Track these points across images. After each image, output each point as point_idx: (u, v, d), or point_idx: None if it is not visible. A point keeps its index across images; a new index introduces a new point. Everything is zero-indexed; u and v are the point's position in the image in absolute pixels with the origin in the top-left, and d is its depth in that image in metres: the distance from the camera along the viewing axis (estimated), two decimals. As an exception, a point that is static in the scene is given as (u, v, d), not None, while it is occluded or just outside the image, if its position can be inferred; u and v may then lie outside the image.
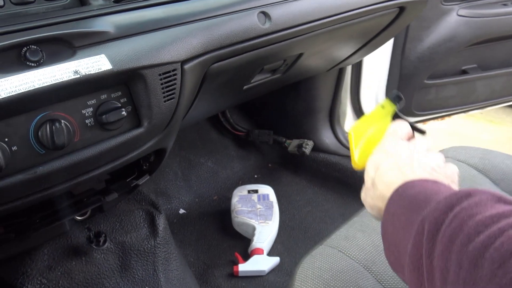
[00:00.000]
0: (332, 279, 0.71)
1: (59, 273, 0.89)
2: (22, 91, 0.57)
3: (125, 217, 1.03)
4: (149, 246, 1.01)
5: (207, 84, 0.84)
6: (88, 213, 0.94)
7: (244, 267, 1.24)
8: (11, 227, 0.78)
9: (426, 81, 1.59)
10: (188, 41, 0.73)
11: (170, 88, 0.71)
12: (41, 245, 0.91)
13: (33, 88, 0.57)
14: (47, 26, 0.63)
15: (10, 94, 0.55)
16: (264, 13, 0.83)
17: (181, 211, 1.51)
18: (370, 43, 1.25)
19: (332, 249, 0.77)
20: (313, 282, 0.72)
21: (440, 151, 0.99)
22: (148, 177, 0.92)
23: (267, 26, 0.83)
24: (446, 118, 1.88)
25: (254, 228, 1.35)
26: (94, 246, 0.90)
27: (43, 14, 0.65)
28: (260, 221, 1.37)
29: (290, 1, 0.88)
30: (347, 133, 1.72)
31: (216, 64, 0.80)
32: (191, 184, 1.57)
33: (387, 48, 1.55)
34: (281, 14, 0.85)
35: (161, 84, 0.70)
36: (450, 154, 0.96)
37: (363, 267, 0.72)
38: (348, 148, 1.63)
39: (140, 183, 0.90)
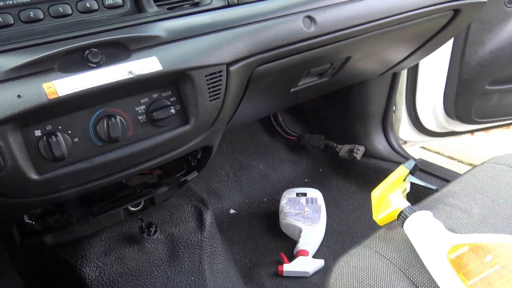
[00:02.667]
0: (367, 278, 0.73)
1: (113, 258, 0.97)
2: (84, 88, 0.64)
3: (175, 211, 1.10)
4: (196, 239, 1.07)
5: (253, 86, 0.89)
6: (141, 205, 1.02)
7: (288, 267, 1.27)
8: (73, 213, 0.88)
9: (487, 87, 1.54)
10: (233, 44, 0.78)
11: (216, 88, 0.77)
12: (99, 232, 1.01)
13: (93, 86, 0.65)
14: (107, 31, 0.70)
15: (74, 91, 0.63)
16: (309, 17, 0.87)
17: (232, 211, 1.57)
18: (424, 46, 1.24)
19: (369, 250, 0.78)
20: (348, 280, 0.74)
21: (493, 158, 0.97)
22: (196, 173, 0.98)
23: (312, 30, 0.87)
24: (511, 127, 1.79)
25: (300, 230, 1.37)
26: (146, 236, 0.98)
27: (104, 21, 0.73)
28: (307, 223, 1.39)
29: (336, 5, 0.91)
30: (401, 139, 1.70)
31: (261, 67, 0.85)
32: (242, 186, 1.63)
33: (445, 51, 1.52)
34: (326, 18, 0.88)
35: (208, 84, 0.76)
36: (503, 161, 0.94)
37: (399, 269, 0.73)
38: (400, 155, 1.61)
39: (188, 179, 0.97)
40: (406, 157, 1.58)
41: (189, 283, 1.04)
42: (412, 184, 0.87)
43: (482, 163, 0.96)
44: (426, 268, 0.69)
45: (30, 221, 0.82)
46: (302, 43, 0.86)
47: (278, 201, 1.51)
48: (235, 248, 1.38)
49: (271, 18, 0.83)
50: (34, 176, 0.64)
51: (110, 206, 0.90)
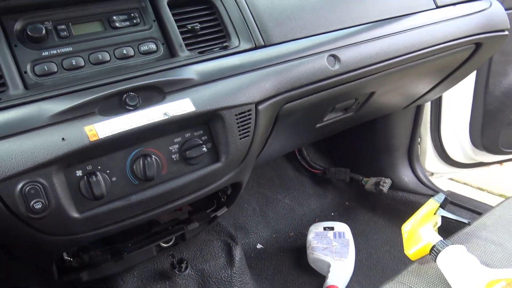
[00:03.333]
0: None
1: (144, 296, 0.99)
2: (123, 130, 0.68)
3: (205, 246, 1.12)
4: (226, 275, 1.08)
5: (280, 123, 0.92)
6: (173, 241, 1.04)
7: None
8: (107, 249, 0.90)
9: None
10: (261, 84, 0.81)
11: (246, 126, 0.80)
12: (131, 268, 1.03)
13: (131, 128, 0.69)
14: (143, 76, 0.75)
15: (113, 133, 0.67)
16: (333, 56, 0.90)
17: (259, 246, 1.56)
18: (447, 79, 1.26)
19: (402, 285, 0.78)
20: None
21: None
22: (226, 209, 1.00)
23: (336, 67, 0.90)
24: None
25: (329, 265, 1.36)
26: (177, 272, 1.00)
27: (140, 66, 0.78)
28: (336, 258, 1.38)
29: (359, 43, 0.94)
30: (428, 171, 1.69)
31: (288, 104, 0.88)
32: (268, 220, 1.63)
33: (468, 82, 1.53)
34: (350, 56, 0.91)
35: (237, 123, 0.79)
36: None
37: (434, 304, 0.72)
38: (428, 187, 1.60)
39: (218, 215, 0.99)
40: (434, 189, 1.56)
41: (219, 319, 1.04)
42: (443, 217, 0.86)
43: None
44: (461, 304, 0.68)
45: (68, 258, 0.85)
46: (327, 80, 0.89)
47: (305, 236, 1.50)
48: (263, 284, 1.38)
49: (297, 58, 0.87)
50: (75, 214, 0.67)
51: (143, 242, 0.93)
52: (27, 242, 0.68)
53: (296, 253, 1.50)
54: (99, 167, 0.70)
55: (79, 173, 0.68)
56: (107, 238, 0.93)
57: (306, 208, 1.68)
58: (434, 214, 0.84)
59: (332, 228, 1.50)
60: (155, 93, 0.73)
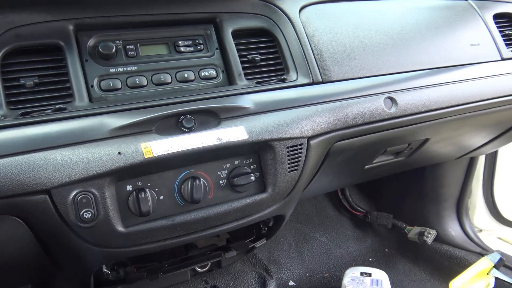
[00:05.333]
0: None
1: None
2: (176, 150, 0.69)
3: (239, 276, 1.10)
4: (258, 309, 1.06)
5: (330, 160, 0.90)
6: (208, 267, 1.03)
7: None
8: (144, 268, 0.90)
9: None
10: (316, 119, 0.81)
11: (296, 160, 0.79)
12: (164, 289, 1.02)
13: (184, 149, 0.70)
14: (201, 100, 0.76)
15: (167, 153, 0.68)
16: (390, 98, 0.89)
17: (291, 283, 1.52)
18: (506, 133, 1.21)
19: None
20: None
21: None
22: (265, 241, 0.99)
23: (392, 110, 0.88)
24: None
25: (365, 313, 1.30)
26: (210, 300, 0.98)
27: (199, 91, 0.80)
28: (371, 307, 1.32)
29: (419, 88, 0.92)
30: (476, 227, 1.61)
31: (339, 142, 0.87)
32: (303, 257, 1.59)
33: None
34: (407, 100, 0.90)
35: (288, 155, 0.78)
36: None
37: None
38: (476, 244, 1.52)
39: (257, 246, 0.97)
40: (483, 247, 1.47)
41: None
42: (496, 279, 0.81)
43: None
44: None
45: (107, 271, 0.85)
46: (382, 122, 0.88)
47: (339, 278, 1.45)
48: (293, 324, 1.33)
49: (354, 97, 0.86)
50: (120, 228, 0.68)
51: (179, 264, 0.92)
52: (72, 250, 0.69)
53: None
54: (149, 184, 0.71)
55: (129, 187, 0.70)
56: (144, 256, 0.93)
57: (343, 250, 1.64)
58: (487, 274, 0.78)
59: (369, 275, 1.44)
60: (211, 118, 0.75)
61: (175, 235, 0.75)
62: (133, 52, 0.78)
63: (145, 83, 0.78)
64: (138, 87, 0.78)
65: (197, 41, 0.83)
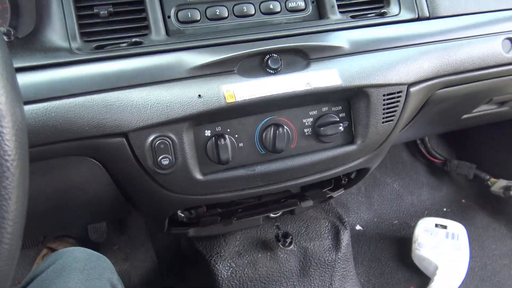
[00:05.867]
0: None
1: (246, 261, 0.96)
2: (260, 95, 0.62)
3: (312, 224, 1.05)
4: (330, 258, 1.02)
5: (427, 109, 0.79)
6: (280, 212, 1.00)
7: None
8: (217, 212, 0.88)
9: None
10: (419, 63, 0.70)
11: (392, 109, 0.70)
12: (234, 232, 1.00)
13: (270, 94, 0.62)
14: (288, 36, 0.67)
15: (251, 98, 0.61)
16: (510, 39, 0.74)
17: (358, 227, 1.48)
18: None
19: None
20: None
21: None
22: (343, 191, 0.92)
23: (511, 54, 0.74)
24: None
25: (436, 267, 1.24)
26: (281, 245, 0.95)
27: (285, 25, 0.70)
28: (445, 261, 1.25)
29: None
30: None
31: (442, 90, 0.75)
32: (372, 202, 1.53)
33: None
34: (531, 42, 0.75)
35: (383, 104, 0.69)
36: None
37: None
38: None
39: (334, 196, 0.92)
40: None
41: (314, 301, 0.99)
42: None
43: None
44: None
45: (182, 214, 0.84)
46: (498, 68, 0.74)
47: (410, 227, 1.39)
48: (358, 269, 1.30)
49: (466, 37, 0.73)
50: (198, 176, 0.64)
51: (254, 211, 0.89)
52: (149, 194, 0.67)
53: (399, 244, 1.40)
54: (228, 130, 0.65)
55: (207, 133, 0.64)
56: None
57: (416, 197, 1.55)
58: None
59: (445, 227, 1.35)
60: (299, 58, 0.66)
61: (254, 185, 0.70)
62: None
63: (226, 15, 0.69)
64: (218, 19, 0.69)
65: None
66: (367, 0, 0.74)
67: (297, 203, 0.89)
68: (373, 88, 0.67)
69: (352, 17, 0.73)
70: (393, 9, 0.74)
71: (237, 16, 0.70)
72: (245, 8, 0.70)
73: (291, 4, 0.72)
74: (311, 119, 0.69)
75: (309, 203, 0.88)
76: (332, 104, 0.70)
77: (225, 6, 0.69)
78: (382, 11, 0.73)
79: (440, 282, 1.19)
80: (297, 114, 0.69)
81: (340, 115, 0.70)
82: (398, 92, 0.69)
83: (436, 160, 1.59)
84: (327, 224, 1.05)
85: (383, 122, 0.70)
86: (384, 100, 0.69)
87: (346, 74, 0.65)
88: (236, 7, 0.70)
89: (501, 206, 1.46)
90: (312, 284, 0.99)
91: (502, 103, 0.93)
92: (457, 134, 1.58)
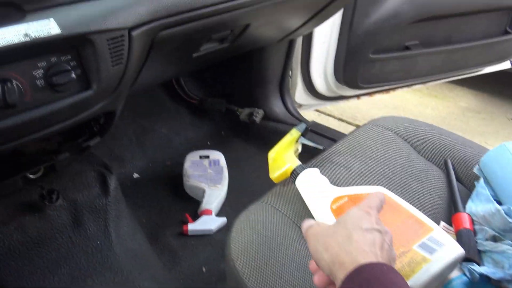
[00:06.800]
0: (264, 229, 0.81)
1: (12, 227, 0.94)
2: (-27, 51, 0.61)
3: (77, 177, 1.09)
4: (100, 204, 1.08)
5: (155, 51, 0.90)
6: (41, 172, 0.99)
7: (193, 226, 1.33)
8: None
9: (371, 56, 1.69)
10: (135, 8, 0.78)
11: (118, 53, 0.77)
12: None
13: (-16, 49, 0.62)
14: (-3, -10, 0.66)
15: (-38, 54, 0.60)
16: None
17: (135, 175, 1.57)
18: (317, 15, 1.33)
19: (266, 205, 0.87)
20: (247, 233, 0.82)
21: (371, 120, 1.09)
22: (99, 139, 0.98)
23: (215, -3, 0.89)
24: (391, 92, 2.01)
25: (204, 191, 1.44)
26: (47, 203, 0.96)
27: (-7, -23, 0.68)
28: (210, 185, 1.46)
29: (236, -26, 0.94)
30: (297, 103, 1.82)
31: (163, 32, 0.86)
32: (145, 150, 1.63)
33: (336, 21, 1.63)
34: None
35: (109, 49, 0.76)
36: (379, 123, 1.07)
37: (291, 220, 0.83)
38: (296, 118, 1.73)
39: (91, 144, 0.96)
40: (300, 120, 1.70)
41: (95, 247, 1.05)
42: (303, 145, 0.96)
43: (362, 126, 1.08)
44: (313, 218, 0.79)
45: None
46: (204, 9, 0.89)
47: (181, 164, 1.54)
48: (140, 212, 1.40)
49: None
50: None
51: (6, 174, 0.87)
52: None
53: (173, 181, 1.55)
54: None
55: None
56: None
57: (183, 137, 1.72)
58: (296, 142, 0.93)
59: (207, 157, 1.56)
60: (13, 10, 0.66)
61: (-9, 144, 0.69)
62: None
63: None
64: None
65: None
66: None
67: (53, 157, 0.91)
68: (96, 35, 0.73)
69: None
70: None
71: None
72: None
73: None
74: (42, 71, 0.71)
75: (65, 155, 0.91)
76: (60, 54, 0.73)
77: None
78: None
79: (208, 202, 1.39)
80: (26, 67, 0.70)
81: (71, 63, 0.74)
82: (121, 37, 0.76)
83: (194, 101, 1.76)
84: (93, 174, 1.10)
85: (113, 66, 0.77)
86: (109, 45, 0.75)
87: (65, 23, 0.69)
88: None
89: (249, 131, 1.74)
90: (88, 231, 1.05)
91: (221, 41, 1.11)
92: (207, 74, 1.78)
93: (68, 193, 1.05)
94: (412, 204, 0.74)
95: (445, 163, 0.95)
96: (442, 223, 0.82)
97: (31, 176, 0.99)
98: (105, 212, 1.08)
